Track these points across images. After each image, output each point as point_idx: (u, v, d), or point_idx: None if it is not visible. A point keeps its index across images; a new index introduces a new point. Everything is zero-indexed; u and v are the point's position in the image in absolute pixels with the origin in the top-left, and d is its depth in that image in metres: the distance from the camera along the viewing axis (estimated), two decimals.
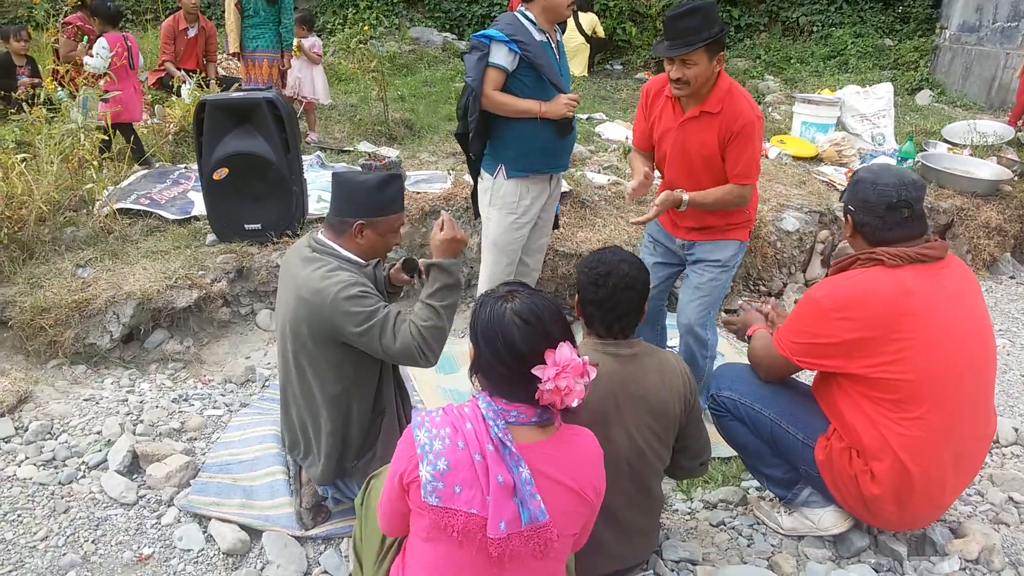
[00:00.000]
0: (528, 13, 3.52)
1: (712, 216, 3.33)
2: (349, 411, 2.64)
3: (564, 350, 1.75)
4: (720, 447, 3.24)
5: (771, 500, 2.92)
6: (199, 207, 4.87)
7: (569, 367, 1.74)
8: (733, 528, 2.87)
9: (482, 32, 3.51)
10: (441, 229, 2.59)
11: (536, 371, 1.73)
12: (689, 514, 3.02)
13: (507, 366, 1.79)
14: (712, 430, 2.96)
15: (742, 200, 3.26)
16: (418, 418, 1.80)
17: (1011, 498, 2.97)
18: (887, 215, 2.42)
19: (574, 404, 1.77)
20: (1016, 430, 3.53)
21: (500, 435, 1.74)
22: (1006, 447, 3.45)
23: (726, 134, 3.13)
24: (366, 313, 2.43)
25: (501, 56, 3.45)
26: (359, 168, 5.65)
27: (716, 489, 3.15)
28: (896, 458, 2.34)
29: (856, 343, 2.35)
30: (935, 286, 2.36)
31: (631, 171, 3.51)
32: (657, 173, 3.50)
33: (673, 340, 4.43)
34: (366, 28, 7.60)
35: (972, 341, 2.40)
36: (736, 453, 3.01)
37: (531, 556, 1.74)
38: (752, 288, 5.22)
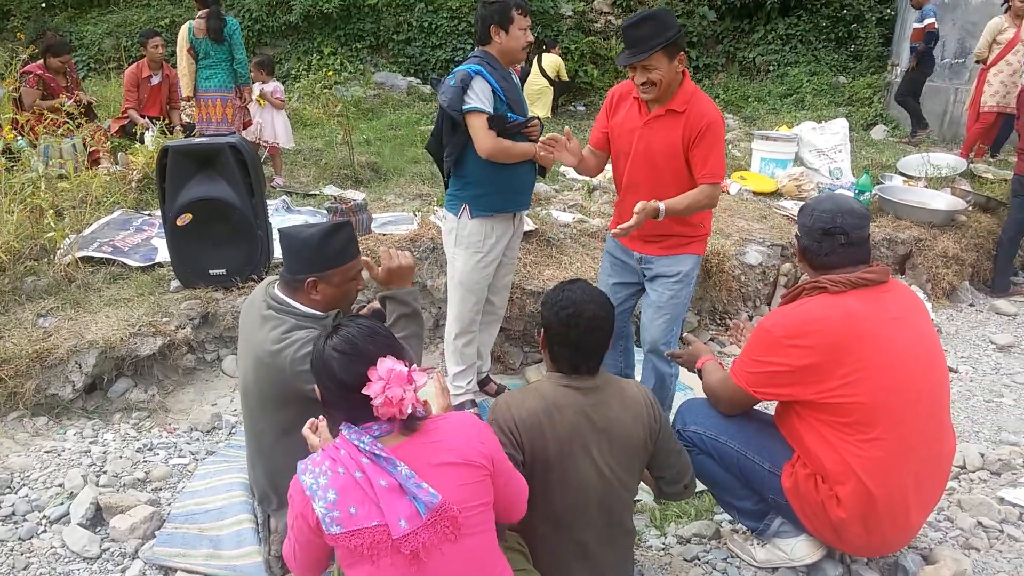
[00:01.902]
0: (491, 53, 3.58)
1: (670, 226, 3.35)
2: None
3: (385, 363, 1.82)
4: None
5: (744, 533, 2.92)
6: (163, 254, 4.82)
7: (392, 378, 1.80)
8: (707, 563, 2.86)
9: (466, 65, 3.54)
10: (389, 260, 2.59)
11: (365, 391, 1.81)
12: (663, 549, 3.00)
13: (339, 396, 1.89)
14: None
15: (713, 201, 3.33)
16: (301, 465, 1.87)
17: (980, 523, 3.00)
18: (823, 240, 2.51)
19: (418, 412, 1.86)
20: (983, 455, 3.57)
21: (369, 448, 1.82)
22: (973, 472, 3.49)
23: (692, 133, 3.20)
24: (315, 342, 2.40)
25: (484, 100, 3.48)
26: (324, 211, 5.65)
27: (689, 523, 3.14)
28: (859, 480, 2.37)
29: (808, 369, 2.40)
30: (879, 309, 2.42)
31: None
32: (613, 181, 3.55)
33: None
34: (331, 73, 7.67)
35: (920, 361, 2.45)
36: (706, 487, 3.01)
37: (445, 541, 1.81)
38: (718, 322, 5.26)
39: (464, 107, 3.50)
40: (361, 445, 1.83)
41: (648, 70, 3.12)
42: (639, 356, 3.91)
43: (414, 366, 1.86)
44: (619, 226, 3.18)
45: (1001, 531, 2.93)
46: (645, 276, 3.55)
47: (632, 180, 3.38)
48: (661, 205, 3.17)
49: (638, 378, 3.81)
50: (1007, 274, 6.24)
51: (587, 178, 6.96)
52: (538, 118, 3.82)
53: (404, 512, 1.77)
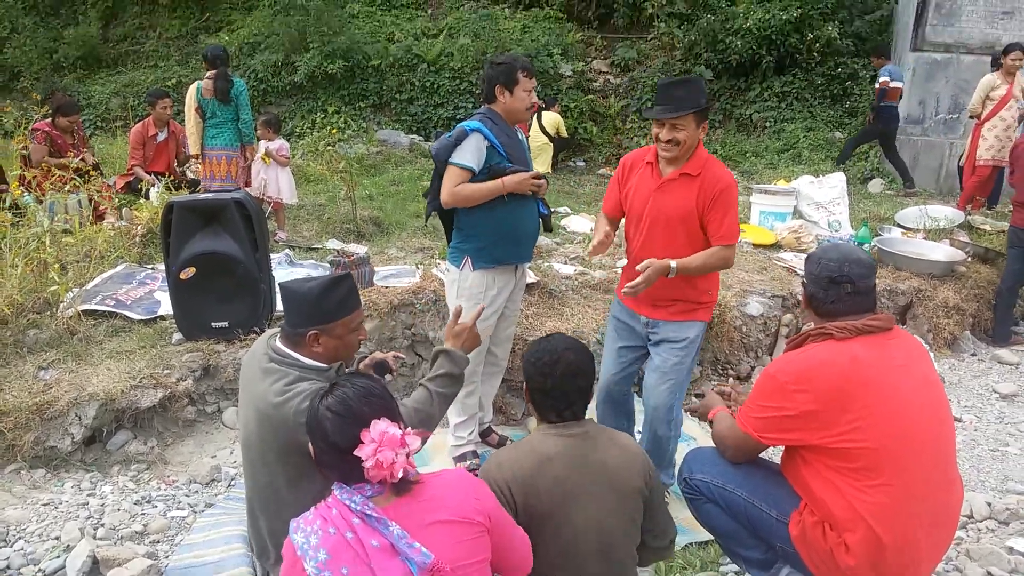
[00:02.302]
0: (495, 111, 3.65)
1: (680, 290, 3.37)
2: None
3: (379, 426, 1.82)
4: (696, 531, 3.22)
5: None
6: (165, 306, 4.83)
7: (384, 441, 1.79)
8: None
9: (468, 122, 3.59)
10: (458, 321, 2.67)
11: (357, 452, 1.81)
12: None
13: (332, 456, 1.89)
14: (688, 515, 2.95)
15: (726, 263, 3.36)
16: (293, 524, 1.87)
17: (989, 573, 2.96)
18: (830, 288, 2.55)
19: (410, 476, 1.84)
20: (989, 504, 3.53)
21: (360, 508, 1.81)
22: (980, 522, 3.45)
23: (707, 197, 3.26)
24: (311, 399, 2.40)
25: (469, 156, 3.52)
26: (327, 264, 5.69)
27: (695, 575, 3.10)
28: (868, 527, 2.35)
29: (814, 414, 2.40)
30: (884, 356, 2.44)
31: (596, 227, 3.58)
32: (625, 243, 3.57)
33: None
34: (334, 131, 7.78)
35: (925, 409, 2.45)
36: (712, 537, 2.98)
37: None
38: (720, 372, 5.26)
39: (450, 159, 3.54)
40: (352, 505, 1.82)
41: (676, 129, 3.21)
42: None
43: (408, 429, 1.86)
44: (628, 284, 3.17)
45: None
46: (650, 340, 3.55)
47: (645, 242, 3.39)
48: (673, 263, 3.20)
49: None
50: (1007, 324, 6.24)
51: (588, 231, 7.04)
52: (544, 176, 3.86)
53: (397, 573, 1.75)
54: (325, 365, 2.59)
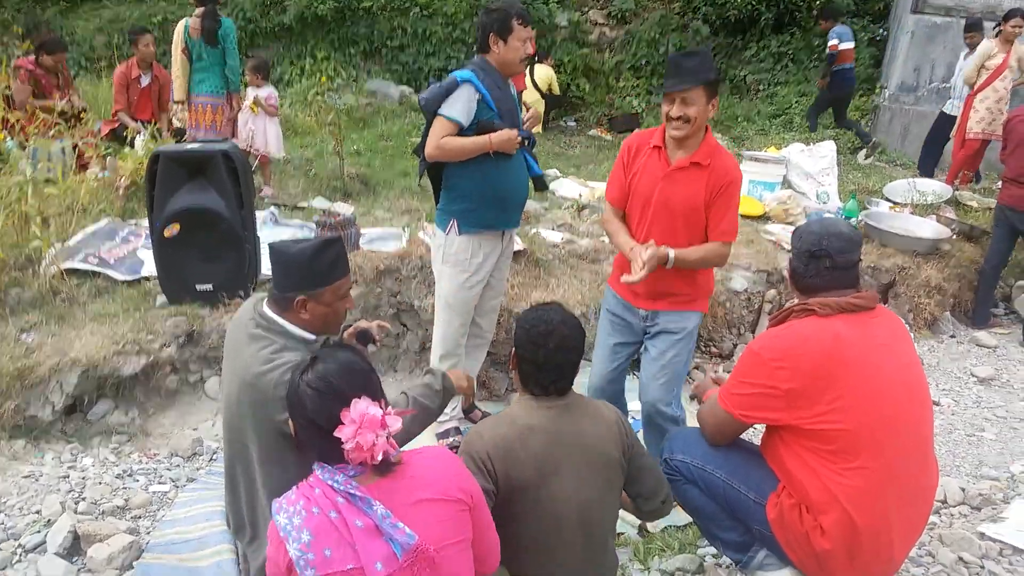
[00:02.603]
0: (488, 62, 3.56)
1: (680, 283, 3.35)
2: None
3: (360, 405, 1.79)
4: (676, 514, 3.27)
5: (728, 567, 2.94)
6: (149, 266, 4.78)
7: (365, 422, 1.77)
8: None
9: (459, 72, 3.51)
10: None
11: (337, 434, 1.78)
12: None
13: (312, 434, 1.86)
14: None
15: (722, 260, 3.37)
16: (275, 504, 1.84)
17: (961, 558, 3.01)
18: (809, 263, 2.55)
19: (391, 458, 1.82)
20: (963, 490, 3.59)
21: (343, 487, 1.79)
22: (954, 507, 3.51)
23: (714, 188, 3.22)
24: (292, 371, 2.38)
25: (458, 109, 3.45)
26: (313, 224, 5.63)
27: (673, 557, 3.15)
28: (843, 510, 2.38)
29: (794, 392, 2.41)
30: (865, 335, 2.44)
31: (620, 243, 3.42)
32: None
33: (630, 405, 4.46)
34: (324, 80, 7.63)
35: (905, 391, 2.46)
36: (691, 519, 3.02)
37: None
38: (703, 349, 5.29)
39: (439, 110, 3.48)
40: (336, 485, 1.80)
41: (687, 104, 3.13)
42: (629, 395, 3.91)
43: (389, 408, 1.83)
44: (627, 276, 3.14)
45: (982, 567, 2.95)
46: (647, 333, 3.52)
47: (647, 229, 3.34)
48: (671, 252, 3.18)
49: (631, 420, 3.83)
50: (988, 305, 6.27)
51: (576, 196, 6.98)
52: (533, 112, 3.81)
53: (380, 554, 1.75)
54: (312, 336, 2.56)
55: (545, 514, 2.32)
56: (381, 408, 1.81)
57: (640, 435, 3.60)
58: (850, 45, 9.66)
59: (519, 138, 3.56)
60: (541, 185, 3.91)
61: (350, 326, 3.03)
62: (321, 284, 2.48)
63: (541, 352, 2.35)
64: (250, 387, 2.43)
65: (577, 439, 2.35)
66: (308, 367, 1.91)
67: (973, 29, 8.18)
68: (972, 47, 8.10)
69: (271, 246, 2.56)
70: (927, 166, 8.71)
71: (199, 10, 6.44)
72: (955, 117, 8.25)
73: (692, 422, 4.30)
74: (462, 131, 3.49)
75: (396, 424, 1.81)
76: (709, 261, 3.34)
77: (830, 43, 9.54)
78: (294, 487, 1.88)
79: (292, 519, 1.78)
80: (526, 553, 2.35)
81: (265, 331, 2.48)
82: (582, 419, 2.39)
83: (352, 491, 1.79)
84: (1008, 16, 7.72)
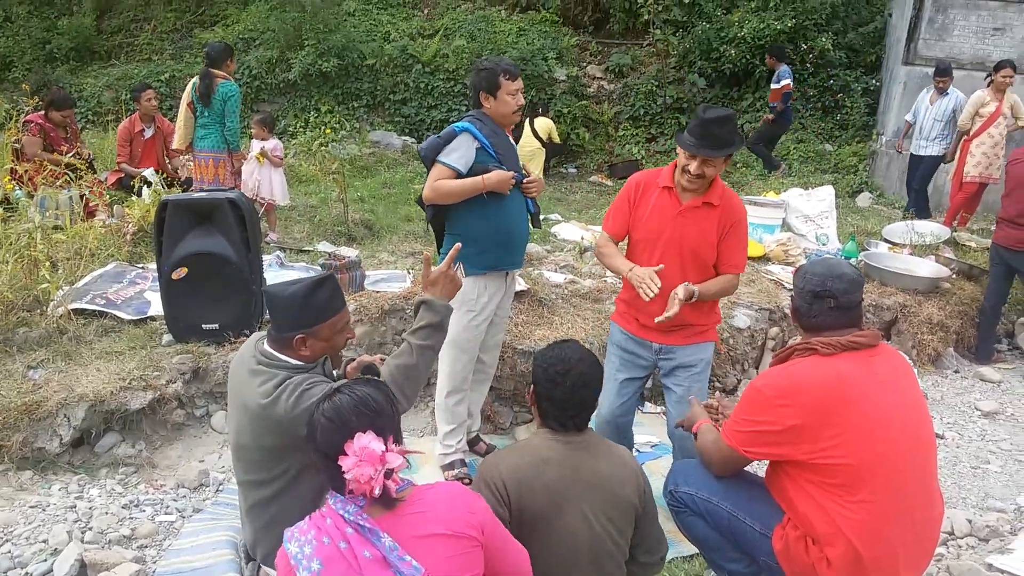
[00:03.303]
0: (485, 113, 3.68)
1: (693, 315, 3.41)
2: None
3: (362, 440, 1.83)
4: (682, 545, 3.26)
5: None
6: (156, 307, 4.83)
7: (364, 456, 1.80)
8: None
9: (458, 123, 3.64)
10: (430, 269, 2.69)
11: (341, 462, 1.82)
12: None
13: (322, 461, 1.92)
14: (673, 528, 2.99)
15: (734, 289, 3.54)
16: (287, 533, 1.88)
17: None
18: (814, 303, 2.60)
19: (392, 493, 1.84)
20: (970, 521, 3.58)
21: (354, 518, 1.82)
22: (961, 539, 3.50)
23: (726, 225, 3.36)
24: (316, 401, 2.43)
25: (455, 156, 3.55)
26: (318, 267, 5.69)
27: None
28: (848, 543, 2.39)
29: (798, 429, 2.44)
30: (867, 372, 2.48)
31: (616, 266, 3.50)
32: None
33: (635, 438, 4.47)
34: (328, 131, 7.77)
35: (906, 425, 2.50)
36: (697, 550, 3.02)
37: None
38: (708, 384, 5.29)
39: (437, 157, 3.59)
40: (346, 515, 1.84)
41: (707, 164, 3.24)
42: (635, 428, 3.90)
43: (392, 446, 1.86)
44: (662, 316, 3.22)
45: None
46: (661, 368, 3.58)
47: (661, 273, 3.37)
48: (696, 288, 3.28)
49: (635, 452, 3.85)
50: (990, 341, 6.30)
51: (579, 239, 7.06)
52: (536, 177, 3.89)
53: None
54: (313, 364, 2.61)
55: (558, 546, 2.34)
56: (384, 444, 1.84)
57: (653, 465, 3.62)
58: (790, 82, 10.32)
59: (513, 179, 3.64)
60: (536, 223, 4.02)
61: (353, 360, 3.06)
62: (318, 322, 2.54)
63: (559, 390, 2.40)
64: (261, 419, 2.47)
65: (593, 475, 2.38)
66: (329, 397, 1.97)
67: (945, 74, 8.58)
68: (940, 90, 8.57)
69: (265, 291, 2.63)
70: (920, 206, 8.91)
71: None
72: (923, 156, 8.78)
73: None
74: (460, 177, 3.58)
75: (396, 461, 1.84)
76: (725, 291, 3.50)
77: (784, 82, 10.19)
78: (307, 517, 1.92)
79: (303, 548, 1.82)
80: None
81: (267, 367, 2.53)
82: (600, 458, 2.43)
83: (362, 522, 1.82)
84: (999, 67, 8.00)
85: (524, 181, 3.78)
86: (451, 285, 2.74)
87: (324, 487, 2.53)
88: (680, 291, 3.23)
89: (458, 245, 2.95)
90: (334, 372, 2.91)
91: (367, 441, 1.82)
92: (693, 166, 3.24)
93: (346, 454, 1.82)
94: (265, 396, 2.44)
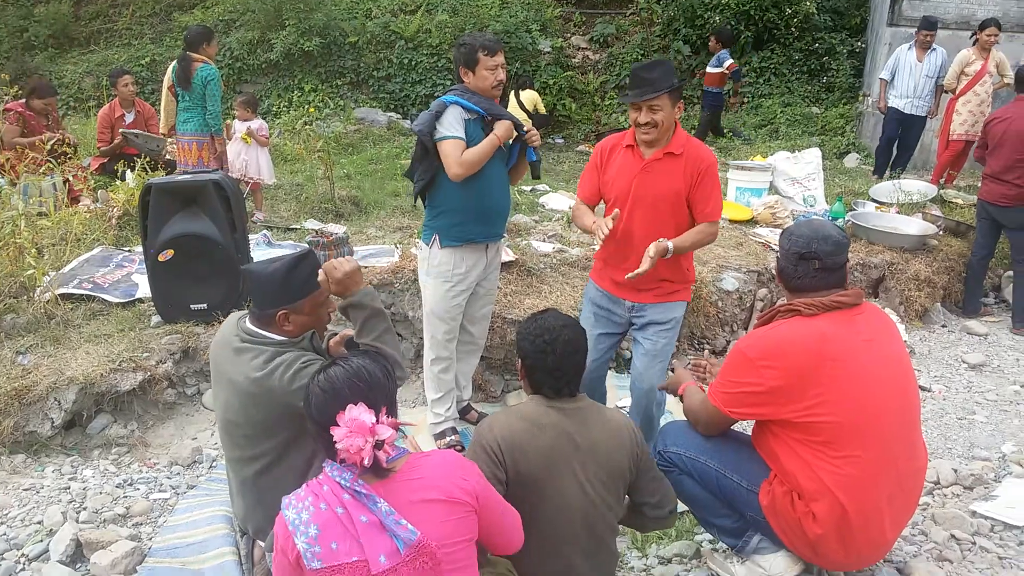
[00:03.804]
0: (467, 87, 3.68)
1: (666, 272, 3.42)
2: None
3: (353, 411, 1.85)
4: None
5: (724, 551, 2.96)
6: (143, 289, 4.83)
7: (354, 428, 1.83)
8: None
9: (445, 96, 3.67)
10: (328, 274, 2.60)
11: (332, 432, 1.85)
12: (644, 571, 3.03)
13: (317, 430, 1.95)
14: None
15: (713, 238, 3.49)
16: (285, 500, 1.91)
17: (953, 536, 3.04)
18: (799, 264, 2.61)
19: (384, 463, 1.86)
20: (956, 471, 3.62)
21: (350, 484, 1.86)
22: (947, 487, 3.54)
23: (693, 174, 3.35)
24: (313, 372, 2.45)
25: (454, 127, 3.57)
26: (306, 245, 5.69)
27: (670, 544, 3.17)
28: (834, 497, 2.43)
29: (782, 390, 2.46)
30: (851, 331, 2.50)
31: (584, 224, 3.54)
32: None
33: (623, 400, 4.50)
34: (312, 110, 7.73)
35: (890, 382, 2.52)
36: (686, 507, 3.05)
37: None
38: (696, 347, 5.33)
39: (436, 136, 3.59)
40: (343, 482, 1.87)
41: (653, 111, 3.26)
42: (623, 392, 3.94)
43: (384, 418, 1.88)
44: (633, 272, 3.24)
45: (974, 543, 2.98)
46: (634, 324, 3.60)
47: (629, 224, 3.42)
48: (670, 244, 3.28)
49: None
50: (977, 296, 6.35)
51: (566, 209, 7.06)
52: (533, 129, 3.91)
53: (384, 548, 1.81)
54: (298, 339, 2.63)
55: (551, 510, 2.36)
56: (376, 416, 1.86)
57: None
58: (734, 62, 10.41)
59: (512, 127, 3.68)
60: (536, 172, 4.01)
61: (336, 335, 3.07)
62: (299, 297, 2.55)
63: (549, 359, 2.41)
64: (253, 395, 2.48)
65: (587, 441, 2.40)
66: (325, 368, 2.00)
67: (932, 28, 8.39)
68: (922, 45, 8.37)
69: (244, 270, 2.63)
70: (885, 162, 8.95)
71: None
72: (916, 116, 8.59)
73: (671, 405, 4.37)
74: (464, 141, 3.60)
75: (386, 433, 1.86)
76: (703, 242, 3.47)
77: (727, 64, 10.19)
78: (304, 484, 1.95)
79: (300, 514, 1.85)
80: (530, 547, 2.37)
81: (253, 344, 2.54)
82: (594, 423, 2.44)
83: (358, 488, 1.85)
84: (983, 25, 7.98)
85: (525, 131, 3.82)
86: (351, 276, 2.63)
87: (314, 460, 2.59)
88: (651, 248, 3.23)
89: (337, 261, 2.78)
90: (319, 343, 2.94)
91: (358, 413, 1.84)
92: (641, 116, 3.29)
93: (338, 424, 1.84)
94: (258, 370, 2.46)
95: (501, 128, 3.63)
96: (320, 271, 2.62)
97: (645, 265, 3.22)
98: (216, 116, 6.57)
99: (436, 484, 1.93)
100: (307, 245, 5.48)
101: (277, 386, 2.43)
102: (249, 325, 2.60)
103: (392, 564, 1.80)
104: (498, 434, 2.36)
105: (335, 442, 1.84)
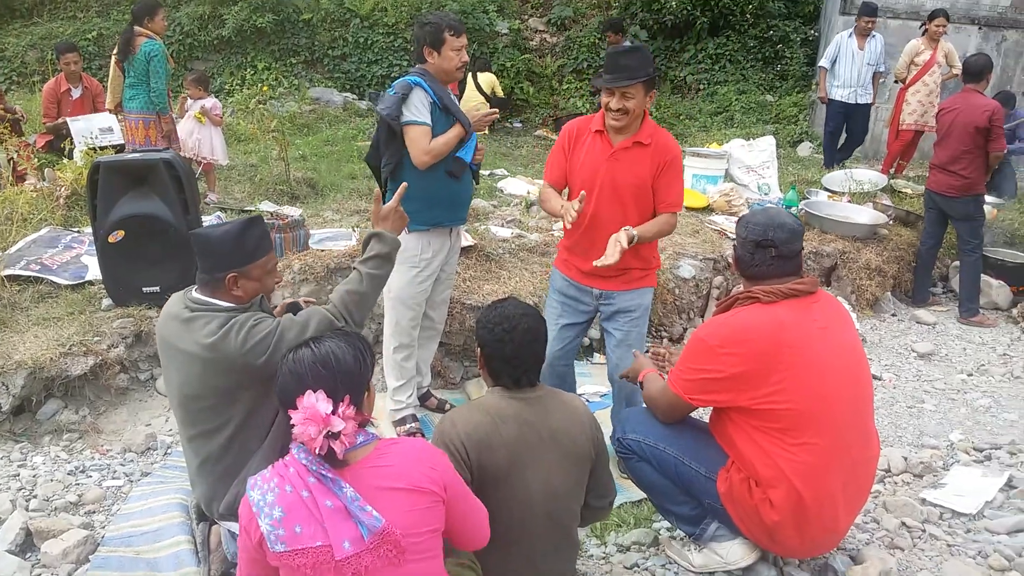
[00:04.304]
0: (427, 71, 3.63)
1: (633, 259, 3.41)
2: (277, 449, 2.57)
3: (310, 399, 1.84)
4: (630, 491, 3.33)
5: (681, 539, 3.00)
6: (94, 271, 4.71)
7: (309, 416, 1.82)
8: (647, 570, 2.93)
9: (408, 77, 3.62)
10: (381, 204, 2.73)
11: (291, 414, 1.85)
12: (603, 558, 3.06)
13: (280, 409, 1.97)
14: (621, 475, 3.05)
15: (672, 228, 3.49)
16: (250, 481, 1.89)
17: (904, 523, 3.13)
18: (756, 252, 2.65)
19: (338, 454, 1.84)
20: (905, 459, 3.72)
21: (316, 468, 1.84)
22: (897, 475, 3.63)
23: (659, 164, 3.34)
24: (266, 334, 2.43)
25: (421, 112, 3.53)
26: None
27: (628, 532, 3.21)
28: (790, 484, 2.47)
29: (741, 376, 2.50)
30: (807, 319, 2.55)
31: (552, 208, 3.51)
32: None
33: (583, 388, 4.53)
34: (266, 88, 7.56)
35: (843, 369, 2.58)
36: (645, 494, 3.08)
37: (388, 565, 1.83)
38: (654, 335, 5.37)
39: (403, 120, 3.55)
40: (309, 465, 1.85)
41: (626, 97, 3.24)
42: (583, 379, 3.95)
43: (345, 408, 1.86)
44: (600, 260, 3.21)
45: (923, 530, 3.07)
46: (601, 313, 3.60)
47: (596, 211, 3.41)
48: (635, 232, 3.26)
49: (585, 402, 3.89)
50: (926, 285, 6.51)
51: (525, 194, 7.05)
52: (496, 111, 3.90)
53: (348, 534, 1.79)
54: (246, 304, 2.61)
55: (515, 502, 2.36)
56: (335, 406, 1.84)
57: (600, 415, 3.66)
58: None
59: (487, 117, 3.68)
60: (476, 178, 4.02)
61: (277, 308, 3.05)
62: (249, 260, 2.54)
63: (508, 347, 2.39)
64: (209, 360, 2.44)
65: (549, 430, 2.40)
66: (302, 346, 1.99)
67: (874, 14, 8.41)
68: (862, 32, 8.37)
69: (193, 234, 2.61)
70: (834, 152, 8.89)
71: None
72: (862, 104, 8.53)
73: None
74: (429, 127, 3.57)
75: (339, 426, 1.84)
76: (663, 232, 3.47)
77: None
78: (270, 466, 1.92)
79: (266, 495, 1.83)
80: (494, 538, 2.37)
81: (203, 311, 2.51)
82: (555, 411, 2.45)
83: (324, 472, 1.83)
84: (932, 16, 8.12)
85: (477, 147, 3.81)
86: (400, 220, 2.79)
87: (278, 433, 2.56)
88: (622, 236, 3.22)
89: (405, 184, 2.91)
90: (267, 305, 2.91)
91: (313, 401, 1.83)
92: (613, 102, 3.27)
93: (296, 409, 1.83)
94: (211, 335, 2.43)
95: (472, 118, 3.59)
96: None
97: (614, 255, 3.18)
98: (161, 95, 6.38)
99: (404, 472, 1.91)
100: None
101: (233, 348, 2.41)
102: (196, 295, 2.57)
103: (356, 551, 1.79)
104: (461, 431, 2.34)
105: (292, 426, 1.83)
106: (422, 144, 3.54)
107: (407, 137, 3.57)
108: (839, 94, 8.53)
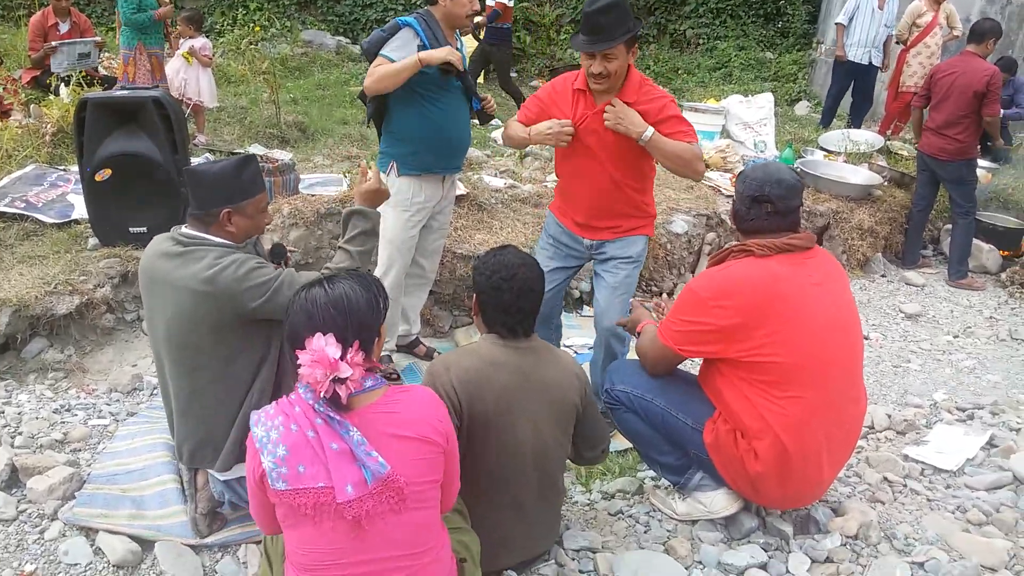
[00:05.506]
0: (433, 15, 3.55)
1: (626, 206, 3.36)
2: (256, 394, 2.59)
3: (319, 341, 1.80)
4: (616, 440, 3.35)
5: (666, 488, 3.03)
6: (80, 210, 4.65)
7: (317, 358, 1.79)
8: (631, 516, 2.95)
9: (403, 18, 3.54)
10: (366, 179, 2.73)
11: (299, 355, 1.82)
12: (588, 505, 3.08)
13: (288, 348, 1.97)
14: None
15: (691, 156, 3.17)
16: (254, 416, 1.88)
17: (886, 478, 3.16)
18: (752, 207, 2.63)
19: (342, 399, 1.81)
20: (889, 416, 3.74)
21: (324, 409, 1.83)
22: (880, 432, 3.66)
23: (654, 113, 3.15)
24: (266, 279, 2.43)
25: (396, 48, 3.44)
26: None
27: (613, 480, 3.23)
28: (775, 436, 2.49)
29: (732, 328, 2.49)
30: (801, 274, 2.54)
31: (518, 135, 3.38)
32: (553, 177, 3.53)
33: (570, 339, 4.53)
34: (257, 29, 7.44)
35: (837, 327, 2.57)
36: (631, 444, 3.11)
37: (389, 511, 1.83)
38: (645, 288, 5.37)
39: (380, 51, 3.47)
40: (316, 406, 1.83)
41: (608, 60, 3.05)
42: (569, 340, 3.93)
43: (354, 354, 1.83)
44: (610, 106, 3.08)
45: (904, 485, 3.10)
46: (595, 259, 3.54)
47: (582, 171, 3.33)
48: (649, 131, 3.09)
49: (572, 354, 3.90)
50: (917, 247, 6.52)
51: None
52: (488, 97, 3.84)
53: (352, 478, 1.78)
54: (240, 244, 2.61)
55: (504, 450, 2.37)
56: (344, 351, 1.81)
57: (586, 367, 3.67)
58: (511, 3, 9.26)
59: (457, 59, 3.45)
60: (483, 119, 3.91)
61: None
62: (245, 196, 2.55)
63: (505, 296, 2.38)
64: (205, 294, 2.43)
65: (540, 381, 2.41)
66: (317, 284, 1.95)
67: None
68: None
69: (188, 170, 2.60)
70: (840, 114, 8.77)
71: None
72: (873, 66, 8.39)
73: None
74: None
75: (347, 372, 1.80)
76: (683, 157, 3.16)
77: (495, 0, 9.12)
78: (273, 403, 1.91)
79: (270, 432, 1.81)
80: (482, 487, 2.39)
81: (196, 246, 2.50)
82: (546, 363, 2.45)
83: (332, 414, 1.81)
84: None
85: (484, 101, 3.77)
86: (380, 195, 2.80)
87: (259, 373, 2.58)
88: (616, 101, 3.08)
89: (376, 169, 2.90)
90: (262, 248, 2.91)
91: (323, 344, 1.79)
92: (594, 66, 3.08)
93: (305, 349, 1.80)
94: (208, 268, 2.42)
95: (427, 55, 3.38)
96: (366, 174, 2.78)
97: (618, 111, 3.07)
98: (132, 22, 6.23)
99: (413, 420, 1.90)
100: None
101: (229, 283, 2.41)
102: (187, 230, 2.56)
103: (358, 495, 1.78)
104: (454, 376, 2.34)
105: (299, 365, 1.80)
106: (372, 71, 3.46)
107: (373, 64, 3.50)
108: (851, 53, 8.33)
